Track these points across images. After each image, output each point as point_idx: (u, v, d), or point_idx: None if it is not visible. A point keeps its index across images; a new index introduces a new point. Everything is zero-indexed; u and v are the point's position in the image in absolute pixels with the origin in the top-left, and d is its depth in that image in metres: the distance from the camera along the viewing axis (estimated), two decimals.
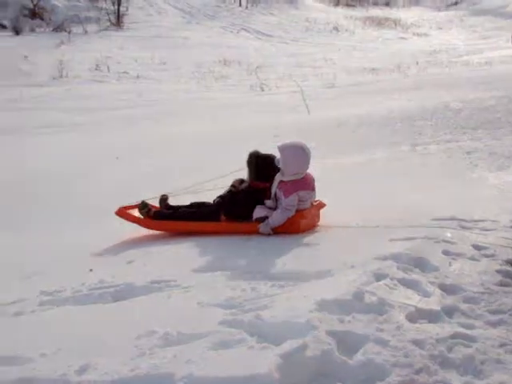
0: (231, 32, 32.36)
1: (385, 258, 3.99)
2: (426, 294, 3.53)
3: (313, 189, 5.19)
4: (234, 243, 4.97)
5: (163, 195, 5.63)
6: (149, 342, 3.04)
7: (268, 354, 2.73)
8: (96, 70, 22.61)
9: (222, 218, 5.32)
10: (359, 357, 2.81)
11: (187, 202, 5.62)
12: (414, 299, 3.44)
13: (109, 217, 5.90)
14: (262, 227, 4.98)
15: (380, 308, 3.27)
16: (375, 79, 20.57)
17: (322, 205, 5.39)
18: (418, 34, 35.32)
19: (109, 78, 22.09)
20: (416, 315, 3.26)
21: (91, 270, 4.71)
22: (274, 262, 4.23)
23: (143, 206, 5.49)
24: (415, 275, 3.79)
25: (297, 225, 5.01)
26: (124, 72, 22.71)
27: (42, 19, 29.12)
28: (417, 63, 23.97)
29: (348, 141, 10.19)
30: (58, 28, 27.98)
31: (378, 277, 3.65)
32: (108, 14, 30.49)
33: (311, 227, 5.16)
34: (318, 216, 5.31)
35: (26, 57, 22.78)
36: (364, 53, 28.21)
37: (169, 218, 5.40)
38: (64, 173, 9.26)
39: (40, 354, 3.00)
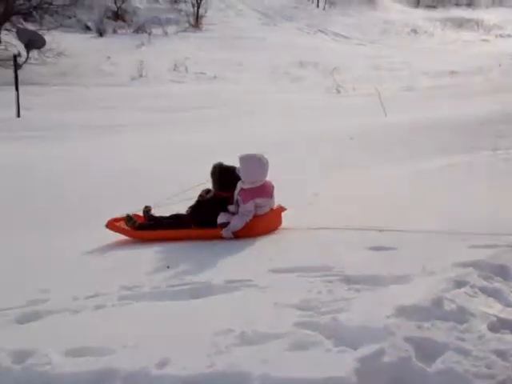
0: (308, 33, 32.31)
1: (465, 265, 3.89)
2: (509, 304, 3.42)
3: (271, 196, 5.61)
4: (311, 245, 4.97)
5: (146, 207, 6.08)
6: (226, 339, 3.07)
7: (345, 357, 2.72)
8: (174, 70, 23.06)
9: (194, 225, 5.74)
10: (438, 365, 2.75)
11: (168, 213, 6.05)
12: (495, 308, 3.35)
13: None
14: (224, 232, 5.40)
15: (460, 316, 3.19)
16: (455, 82, 20.09)
17: (281, 209, 5.71)
18: (501, 36, 34.23)
19: (186, 78, 22.50)
20: (498, 325, 3.17)
21: (168, 267, 4.81)
22: (351, 266, 4.19)
23: (129, 219, 5.93)
24: (497, 284, 3.68)
25: (255, 229, 5.42)
26: (201, 73, 23.05)
27: (124, 21, 29.92)
28: (499, 65, 23.23)
29: (426, 145, 9.99)
30: (139, 29, 28.68)
31: (458, 284, 3.56)
32: (187, 15, 31.00)
33: (271, 230, 5.54)
34: (278, 220, 5.68)
35: (108, 58, 23.48)
36: (443, 55, 27.56)
37: (150, 229, 5.87)
38: (142, 170, 9.48)
39: (121, 346, 3.08)
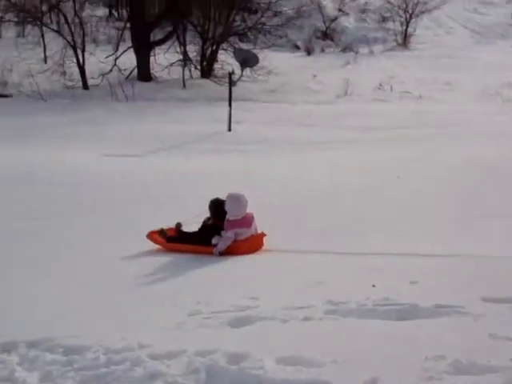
0: None
1: None
2: None
3: (250, 226, 6.90)
4: None
5: (178, 223, 7.28)
6: (437, 366, 3.00)
7: None
8: (379, 89, 22.91)
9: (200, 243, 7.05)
10: None
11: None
12: None
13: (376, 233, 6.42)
14: (214, 250, 6.77)
15: None
16: None
17: (263, 235, 6.92)
18: None
19: (391, 97, 22.22)
20: None
21: (374, 286, 4.79)
22: None
23: (161, 232, 7.23)
24: None
25: (237, 250, 6.74)
26: (406, 92, 22.66)
27: (333, 40, 30.42)
28: None
29: None
30: (346, 48, 28.96)
31: None
32: (395, 34, 30.74)
33: (252, 252, 6.78)
34: (259, 243, 6.93)
35: (314, 76, 24.01)
36: None
37: (175, 242, 7.17)
38: (346, 189, 9.57)
39: (331, 361, 3.13)
